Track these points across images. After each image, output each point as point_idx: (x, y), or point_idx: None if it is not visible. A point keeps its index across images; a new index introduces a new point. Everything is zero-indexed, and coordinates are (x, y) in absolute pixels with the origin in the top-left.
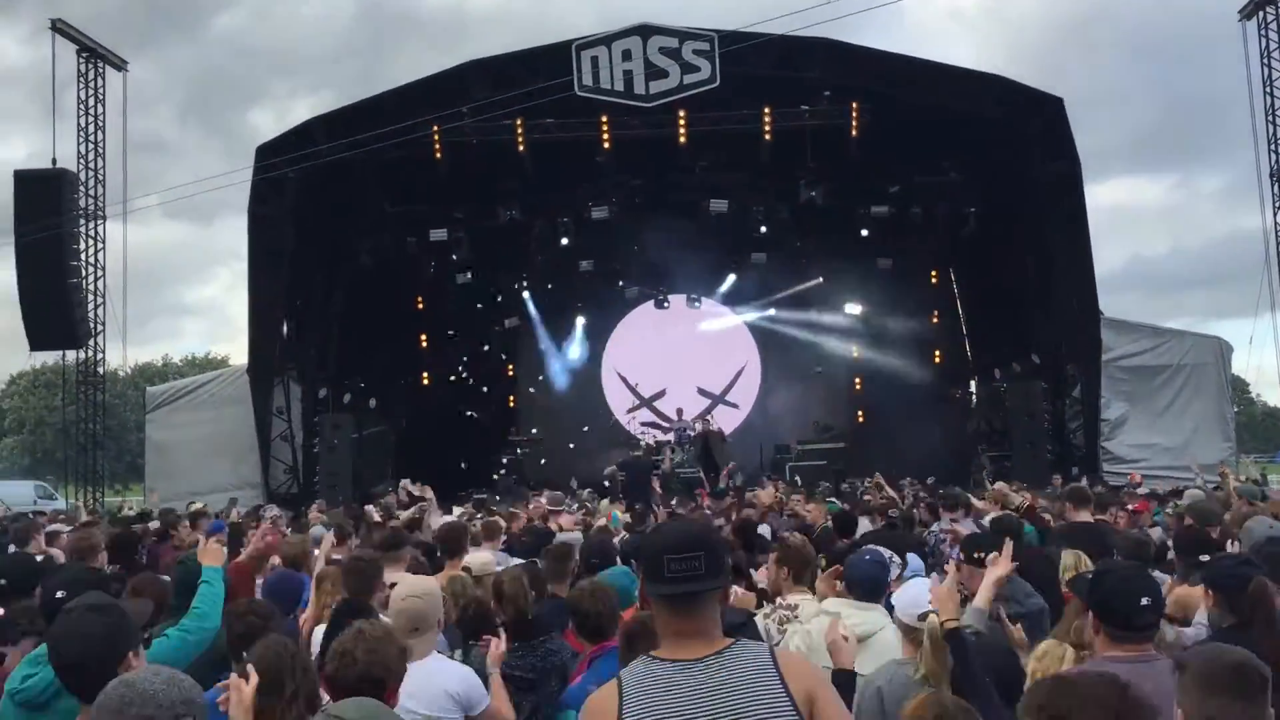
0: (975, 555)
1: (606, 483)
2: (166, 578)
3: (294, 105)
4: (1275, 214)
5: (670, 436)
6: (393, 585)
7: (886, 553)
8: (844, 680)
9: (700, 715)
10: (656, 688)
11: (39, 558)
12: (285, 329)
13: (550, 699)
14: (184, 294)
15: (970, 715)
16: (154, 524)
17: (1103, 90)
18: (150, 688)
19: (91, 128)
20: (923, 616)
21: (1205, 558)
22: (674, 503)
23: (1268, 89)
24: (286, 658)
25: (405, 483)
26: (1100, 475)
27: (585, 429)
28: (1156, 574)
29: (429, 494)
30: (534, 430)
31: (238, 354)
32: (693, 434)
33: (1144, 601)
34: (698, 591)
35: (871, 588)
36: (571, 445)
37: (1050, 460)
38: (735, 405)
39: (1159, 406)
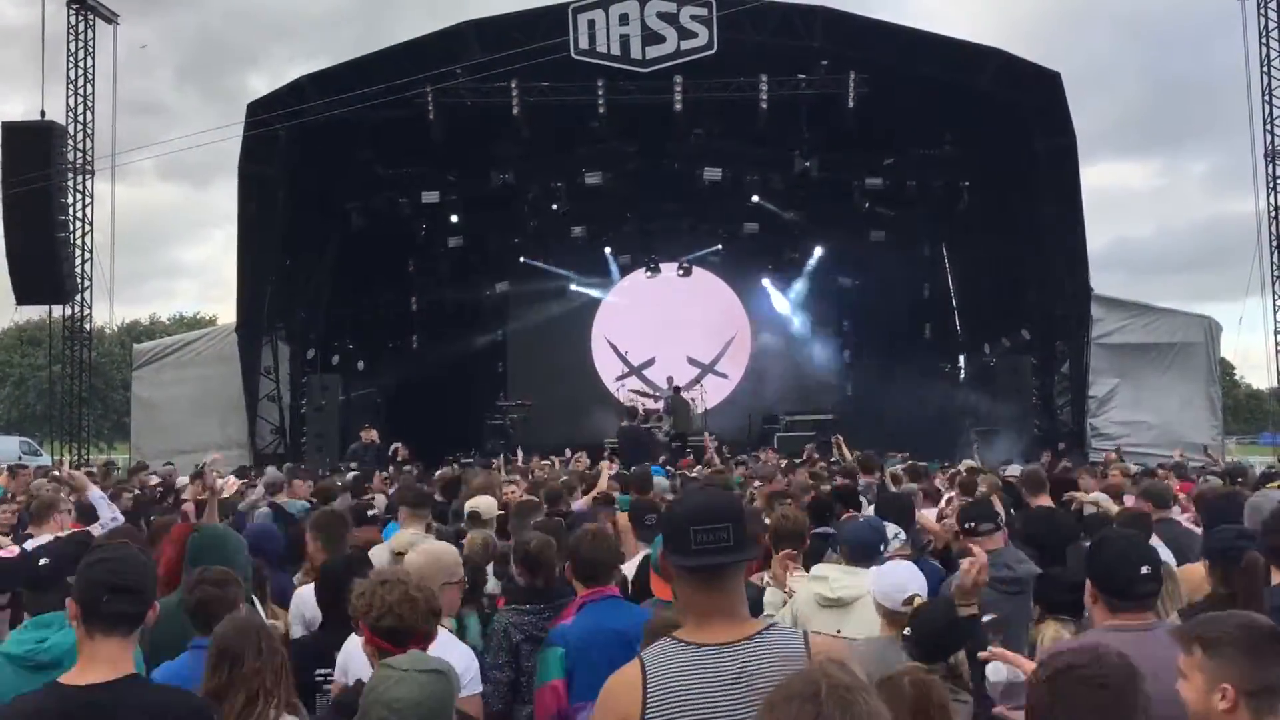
0: (968, 526)
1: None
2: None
3: (291, 70)
4: (1270, 195)
5: (659, 405)
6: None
7: (892, 529)
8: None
9: (729, 703)
10: (682, 673)
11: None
12: (274, 288)
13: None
14: (178, 255)
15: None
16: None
17: (1091, 73)
18: None
19: (81, 81)
20: (908, 600)
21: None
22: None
23: (1265, 69)
24: (251, 633)
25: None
26: (1086, 452)
27: (574, 395)
28: None
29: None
30: (522, 399)
31: (228, 315)
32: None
33: (1144, 570)
34: (726, 564)
35: (864, 552)
36: (559, 412)
37: (1038, 436)
38: (725, 375)
39: (1147, 384)
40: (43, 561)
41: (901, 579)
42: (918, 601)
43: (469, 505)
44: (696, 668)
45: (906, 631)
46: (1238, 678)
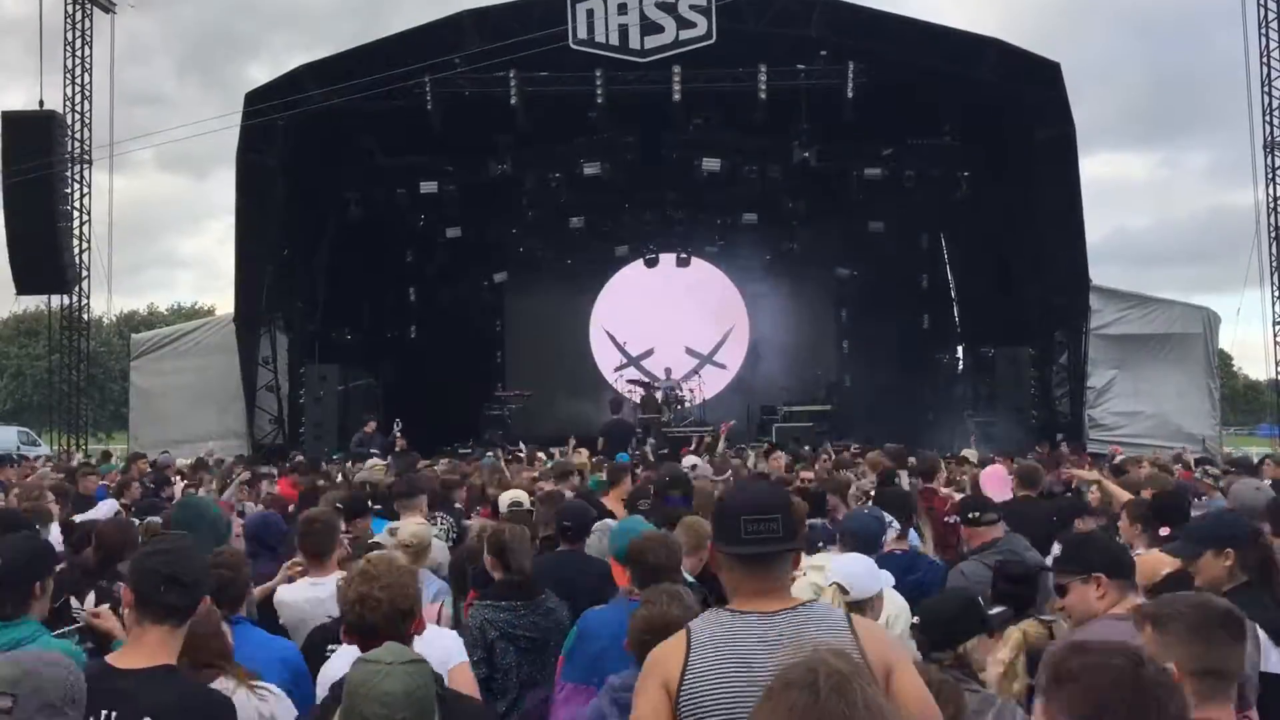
0: (971, 516)
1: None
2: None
3: (290, 60)
4: (1269, 186)
5: (657, 396)
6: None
7: (888, 517)
8: None
9: (770, 666)
10: (726, 638)
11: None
12: (272, 278)
13: (551, 662)
14: (177, 246)
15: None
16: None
17: (1091, 64)
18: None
19: (79, 71)
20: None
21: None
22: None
23: (1264, 60)
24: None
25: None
26: (1084, 443)
27: (572, 386)
28: None
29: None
30: (520, 388)
31: (226, 305)
32: (679, 394)
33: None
34: (774, 553)
35: (865, 540)
36: (557, 402)
37: (1035, 427)
38: (723, 366)
39: (1145, 375)
40: None
41: (830, 571)
42: (830, 590)
43: (510, 496)
44: (739, 632)
45: (915, 620)
46: (1184, 657)
